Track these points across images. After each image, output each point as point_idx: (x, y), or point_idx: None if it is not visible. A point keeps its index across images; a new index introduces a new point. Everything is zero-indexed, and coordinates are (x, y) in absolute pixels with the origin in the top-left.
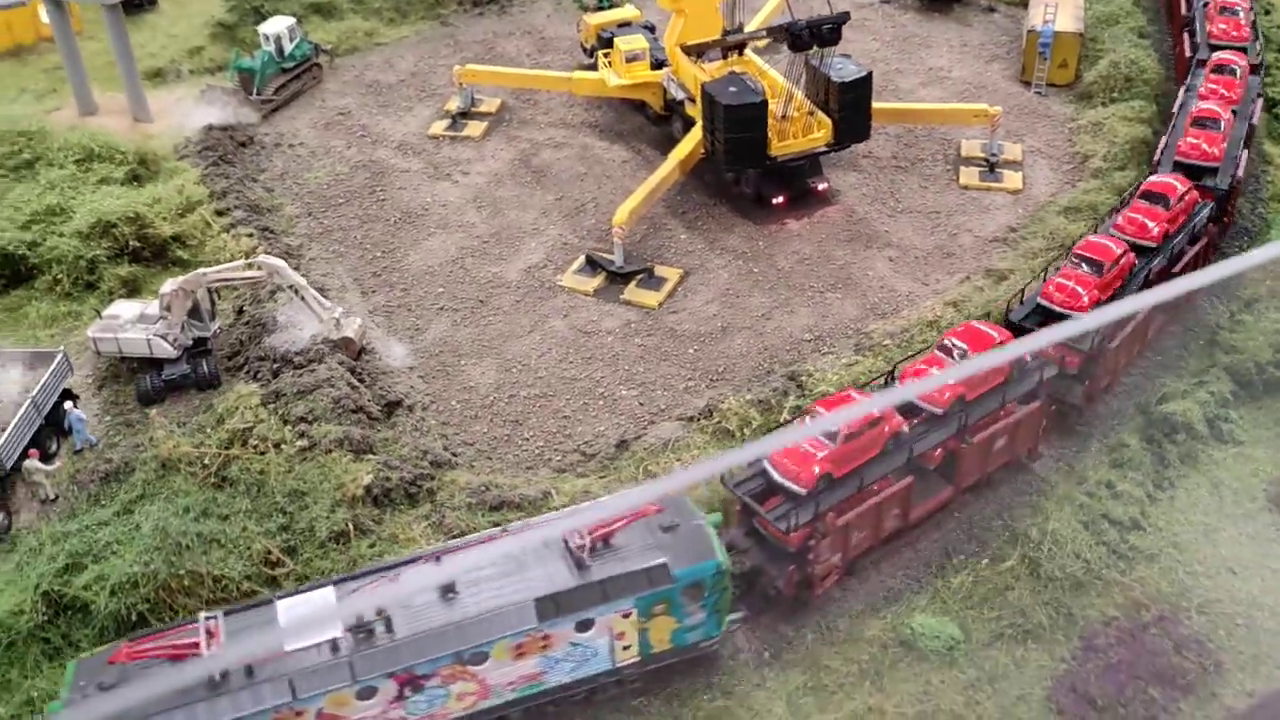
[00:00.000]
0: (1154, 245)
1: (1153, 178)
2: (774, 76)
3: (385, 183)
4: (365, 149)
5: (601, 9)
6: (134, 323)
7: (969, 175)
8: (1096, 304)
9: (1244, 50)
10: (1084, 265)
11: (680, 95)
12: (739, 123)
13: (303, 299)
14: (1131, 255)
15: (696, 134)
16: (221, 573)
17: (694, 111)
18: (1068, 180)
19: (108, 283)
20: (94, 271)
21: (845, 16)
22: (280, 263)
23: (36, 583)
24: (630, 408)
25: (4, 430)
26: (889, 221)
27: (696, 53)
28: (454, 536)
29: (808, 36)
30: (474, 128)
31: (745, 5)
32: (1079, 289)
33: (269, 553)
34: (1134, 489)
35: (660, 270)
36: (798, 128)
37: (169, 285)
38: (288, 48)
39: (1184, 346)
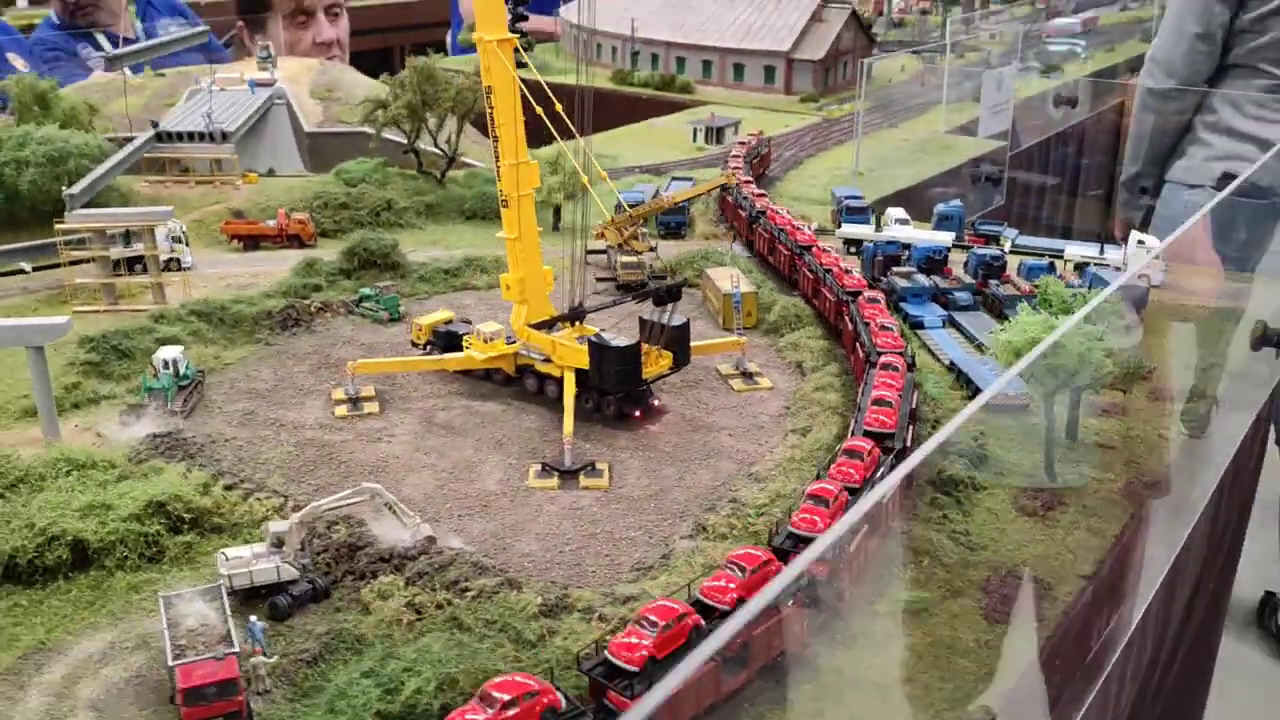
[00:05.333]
0: (856, 486)
1: (849, 441)
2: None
3: (335, 451)
4: (292, 433)
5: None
6: (256, 559)
7: (737, 383)
8: (829, 525)
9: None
10: (812, 501)
11: (538, 357)
12: (626, 359)
13: (394, 512)
14: (845, 493)
15: (571, 377)
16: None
17: (547, 368)
18: (795, 376)
19: (171, 551)
20: (155, 545)
21: (684, 281)
22: (377, 485)
23: (365, 704)
24: (645, 538)
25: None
26: (710, 417)
27: (548, 326)
28: None
29: (666, 295)
30: (370, 407)
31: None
32: (815, 518)
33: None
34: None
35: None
36: (651, 360)
37: (282, 524)
38: (182, 369)
39: None
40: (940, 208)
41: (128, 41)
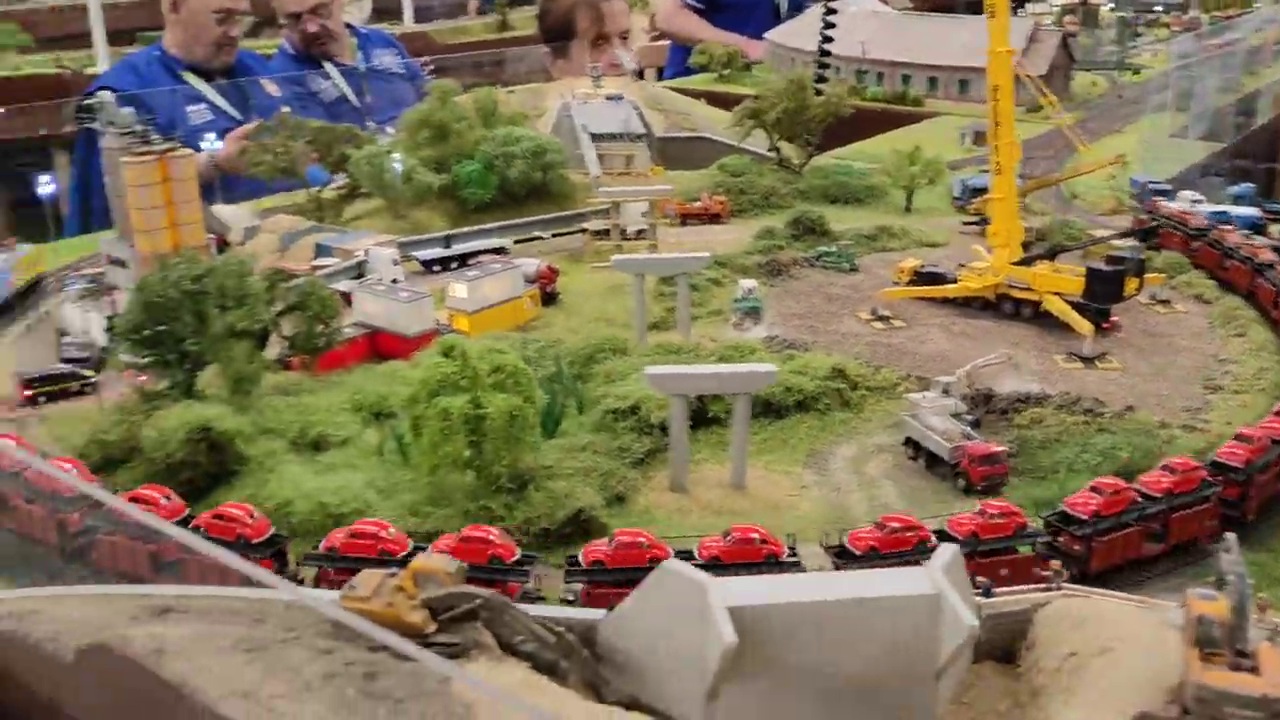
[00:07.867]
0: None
1: None
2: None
3: (898, 348)
4: (856, 339)
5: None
6: (938, 398)
7: (1158, 309)
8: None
9: None
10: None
11: (1020, 286)
12: (1118, 280)
13: (1016, 369)
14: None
15: (1054, 299)
16: None
17: (1024, 294)
18: (1198, 303)
19: (853, 401)
20: (842, 397)
21: (1158, 226)
22: (1009, 351)
23: (1094, 463)
24: (1177, 393)
25: None
26: (1156, 328)
27: (1028, 262)
28: None
29: (1148, 235)
30: (898, 322)
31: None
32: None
33: None
34: None
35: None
36: (1127, 283)
37: (950, 376)
38: (756, 294)
39: None
40: (1232, 190)
41: (351, 71)
